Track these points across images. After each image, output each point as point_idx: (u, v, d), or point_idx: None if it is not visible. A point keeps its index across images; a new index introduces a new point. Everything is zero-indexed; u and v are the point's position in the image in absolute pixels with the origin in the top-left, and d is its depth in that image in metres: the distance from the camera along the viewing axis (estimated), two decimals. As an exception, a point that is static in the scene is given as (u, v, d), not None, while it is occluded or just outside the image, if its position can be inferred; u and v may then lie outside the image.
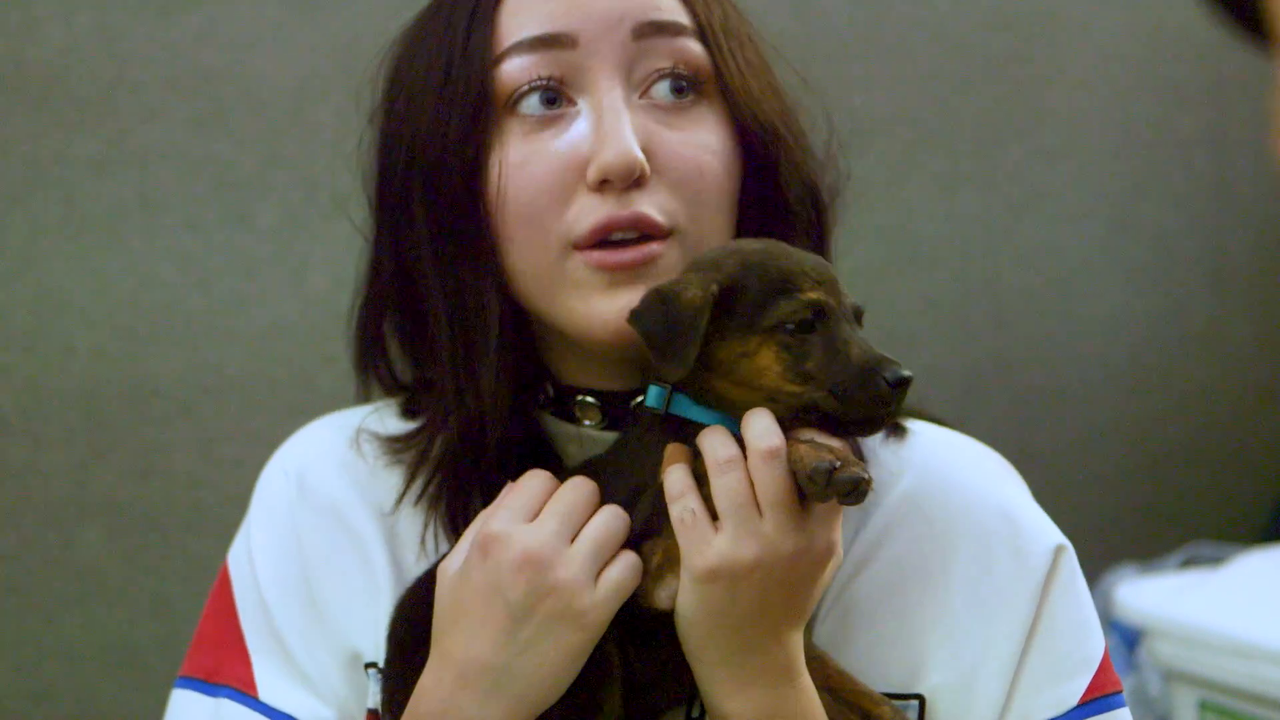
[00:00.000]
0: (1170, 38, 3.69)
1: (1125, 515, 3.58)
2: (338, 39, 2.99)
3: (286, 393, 2.95)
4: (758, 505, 1.31)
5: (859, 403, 1.32)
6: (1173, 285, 3.75)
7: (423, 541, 1.51)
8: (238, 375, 2.97)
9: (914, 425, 1.57)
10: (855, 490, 1.28)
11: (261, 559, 1.55)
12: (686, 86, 1.47)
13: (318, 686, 1.50)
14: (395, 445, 1.54)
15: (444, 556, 1.44)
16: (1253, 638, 2.83)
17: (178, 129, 2.92)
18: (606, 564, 1.34)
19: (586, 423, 1.49)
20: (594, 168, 1.42)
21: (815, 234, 1.55)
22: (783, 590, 1.33)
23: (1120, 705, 1.50)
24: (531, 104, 1.45)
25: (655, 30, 1.46)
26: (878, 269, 3.21)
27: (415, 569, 1.50)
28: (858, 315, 1.36)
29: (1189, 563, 3.40)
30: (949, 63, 3.49)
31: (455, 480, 1.49)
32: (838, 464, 1.28)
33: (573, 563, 1.32)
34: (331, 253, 2.94)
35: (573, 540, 1.33)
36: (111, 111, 2.89)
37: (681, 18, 1.48)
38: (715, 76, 1.49)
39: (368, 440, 1.56)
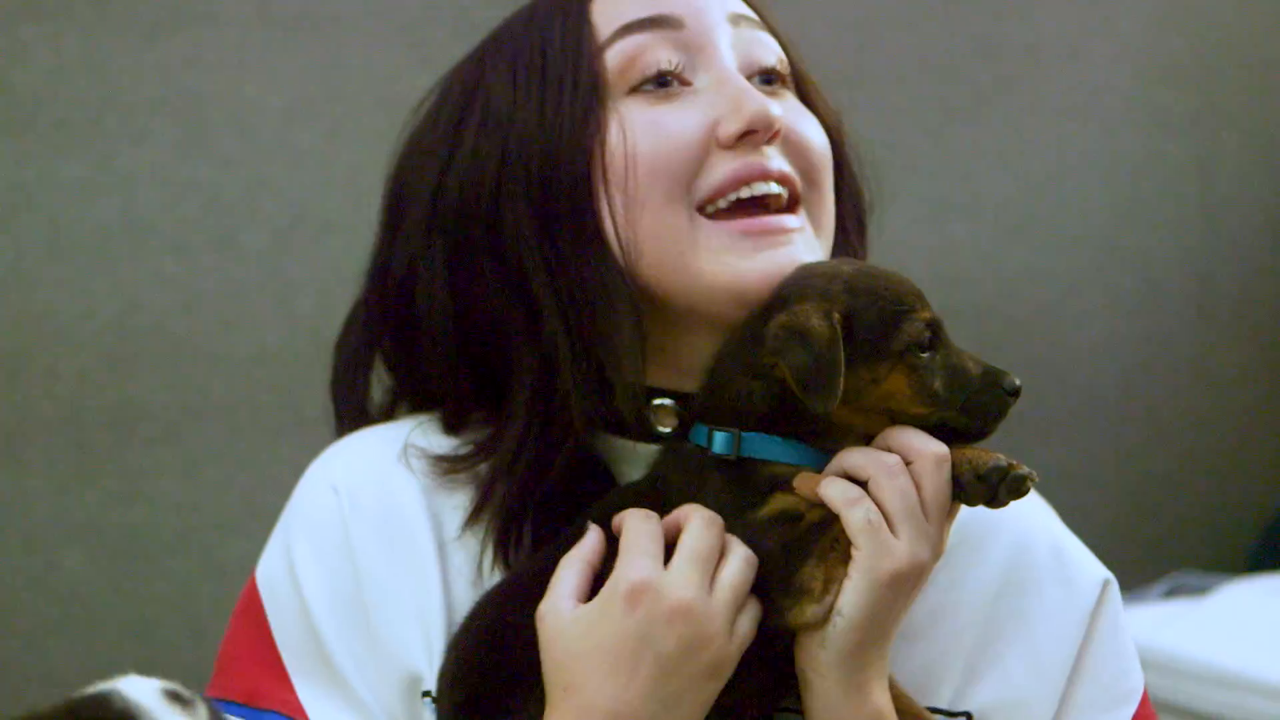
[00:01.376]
0: (1158, 67, 3.70)
1: (1110, 544, 3.55)
2: (324, 63, 3.00)
3: (272, 417, 2.94)
4: (924, 509, 1.34)
5: (985, 416, 1.37)
6: (1159, 314, 3.75)
7: (480, 568, 1.49)
8: (223, 399, 2.97)
9: None
10: (1022, 488, 1.35)
11: (309, 581, 1.51)
12: (775, 78, 1.54)
13: (372, 712, 1.46)
14: (451, 465, 1.53)
15: (505, 590, 1.45)
16: (1237, 669, 2.84)
17: (164, 152, 2.93)
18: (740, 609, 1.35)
19: (661, 428, 1.48)
20: (738, 118, 1.46)
21: (859, 230, 1.62)
22: (913, 590, 1.37)
23: None
24: (650, 85, 1.49)
25: (746, 21, 1.54)
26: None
27: (464, 593, 1.48)
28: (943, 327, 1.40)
29: (1173, 592, 3.40)
30: (937, 91, 3.50)
31: (516, 508, 1.48)
32: (1011, 464, 1.35)
33: (720, 615, 1.33)
34: (318, 277, 2.94)
35: (713, 579, 1.34)
36: (98, 134, 2.89)
37: (755, 15, 1.56)
38: (792, 74, 1.56)
39: (416, 456, 1.54)
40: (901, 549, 1.33)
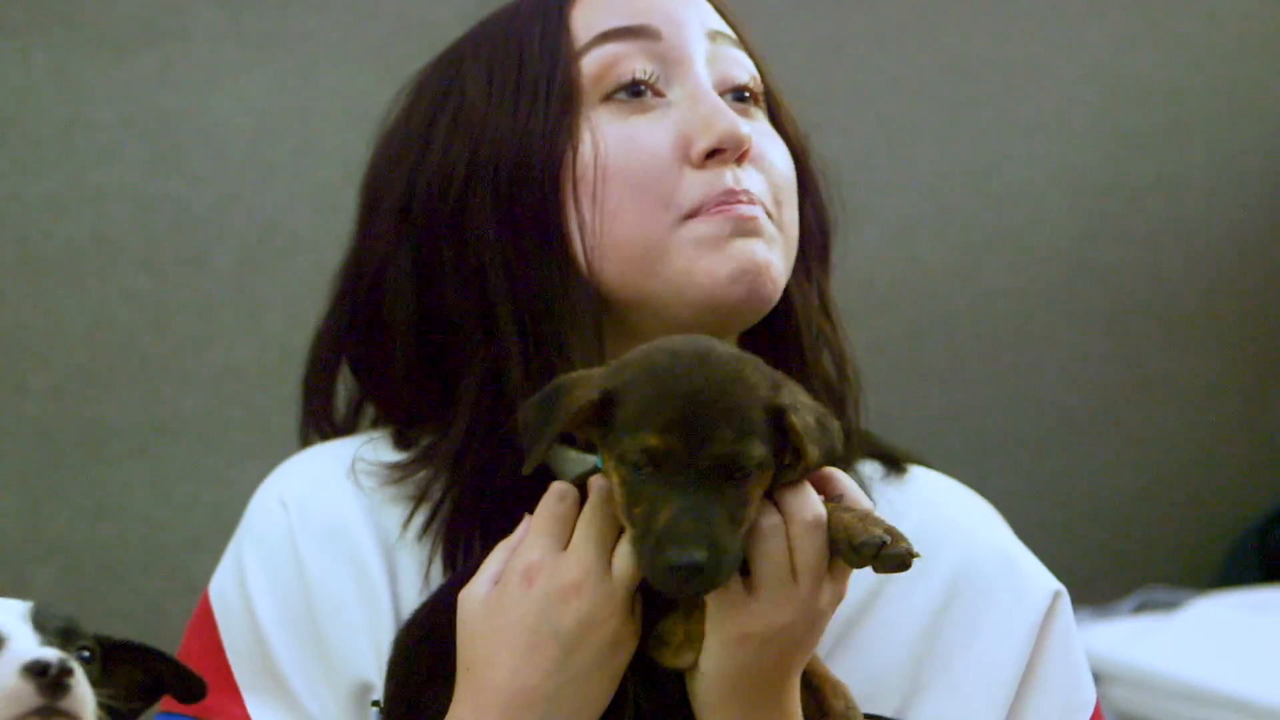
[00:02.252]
0: (1125, 84, 3.71)
1: (1079, 560, 3.59)
2: (295, 80, 3.00)
3: (242, 434, 2.94)
4: (794, 571, 1.31)
5: (650, 576, 1.29)
6: (1127, 330, 3.76)
7: (426, 575, 1.49)
8: (193, 416, 2.97)
9: (911, 468, 1.60)
10: (901, 565, 1.28)
11: (259, 593, 1.52)
12: (747, 96, 1.55)
13: None
14: (395, 474, 1.53)
15: (446, 588, 1.44)
16: (1206, 683, 2.84)
17: (134, 169, 2.93)
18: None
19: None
20: (710, 135, 1.47)
21: (821, 255, 1.61)
22: (801, 646, 1.34)
23: None
24: (624, 93, 1.50)
25: (722, 38, 1.55)
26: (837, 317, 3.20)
27: (412, 600, 1.49)
28: (728, 465, 1.27)
29: (1143, 607, 3.41)
30: (906, 108, 3.51)
31: (462, 512, 1.49)
32: (887, 539, 1.27)
33: (617, 592, 1.32)
34: (288, 293, 2.94)
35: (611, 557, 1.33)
36: (67, 151, 2.89)
37: (732, 32, 1.57)
38: (764, 93, 1.57)
39: (365, 471, 1.54)
40: (756, 610, 1.30)
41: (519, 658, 1.33)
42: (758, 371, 1.31)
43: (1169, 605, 3.27)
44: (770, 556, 1.30)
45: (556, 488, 1.36)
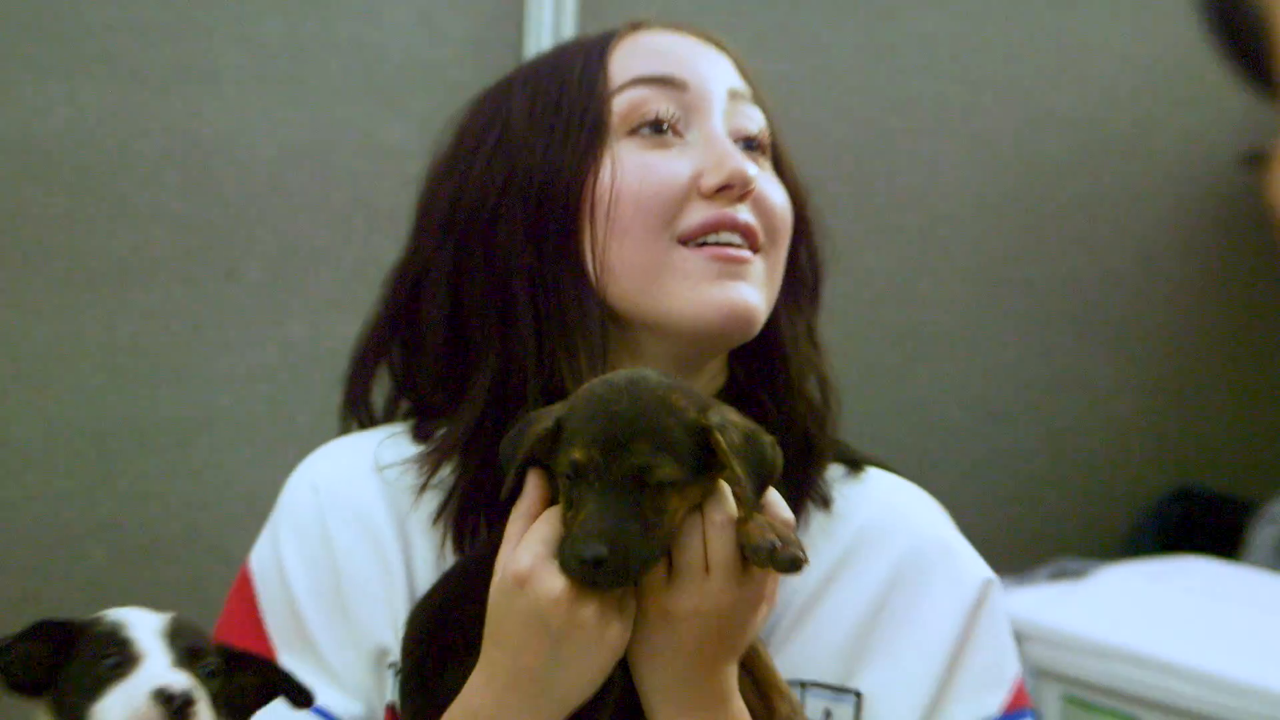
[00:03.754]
0: (1044, 118, 3.73)
1: (1001, 534, 3.59)
2: (313, 115, 3.01)
3: (269, 428, 2.95)
4: (707, 565, 1.32)
5: (566, 566, 1.31)
6: (1044, 335, 3.79)
7: (440, 555, 1.51)
8: (226, 412, 2.98)
9: (869, 469, 1.62)
10: (792, 566, 1.30)
11: (292, 566, 1.54)
12: (755, 145, 1.57)
13: (345, 684, 1.49)
14: (412, 466, 1.54)
15: (456, 569, 1.46)
16: (1110, 641, 2.87)
17: (172, 194, 2.93)
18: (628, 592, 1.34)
19: None
20: (718, 173, 1.50)
21: (812, 292, 1.64)
22: (719, 633, 1.34)
23: (1031, 719, 1.56)
24: (647, 129, 1.53)
25: (740, 95, 1.57)
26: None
27: (427, 578, 1.50)
28: (640, 475, 1.29)
29: (1057, 575, 3.41)
30: (852, 134, 3.53)
31: (470, 500, 1.51)
32: (778, 544, 1.30)
33: (604, 601, 1.32)
34: (309, 304, 2.95)
35: None
36: (112, 179, 2.89)
37: (749, 90, 1.59)
38: (771, 144, 1.60)
39: (386, 463, 1.56)
40: (673, 593, 1.33)
41: (518, 645, 1.34)
42: (686, 397, 1.33)
43: (1079, 573, 3.29)
44: (686, 549, 1.32)
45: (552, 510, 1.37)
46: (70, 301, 2.88)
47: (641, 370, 1.37)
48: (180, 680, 1.26)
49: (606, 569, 1.28)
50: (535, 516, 1.36)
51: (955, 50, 3.63)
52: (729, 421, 1.33)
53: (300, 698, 1.39)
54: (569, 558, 1.30)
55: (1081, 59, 3.76)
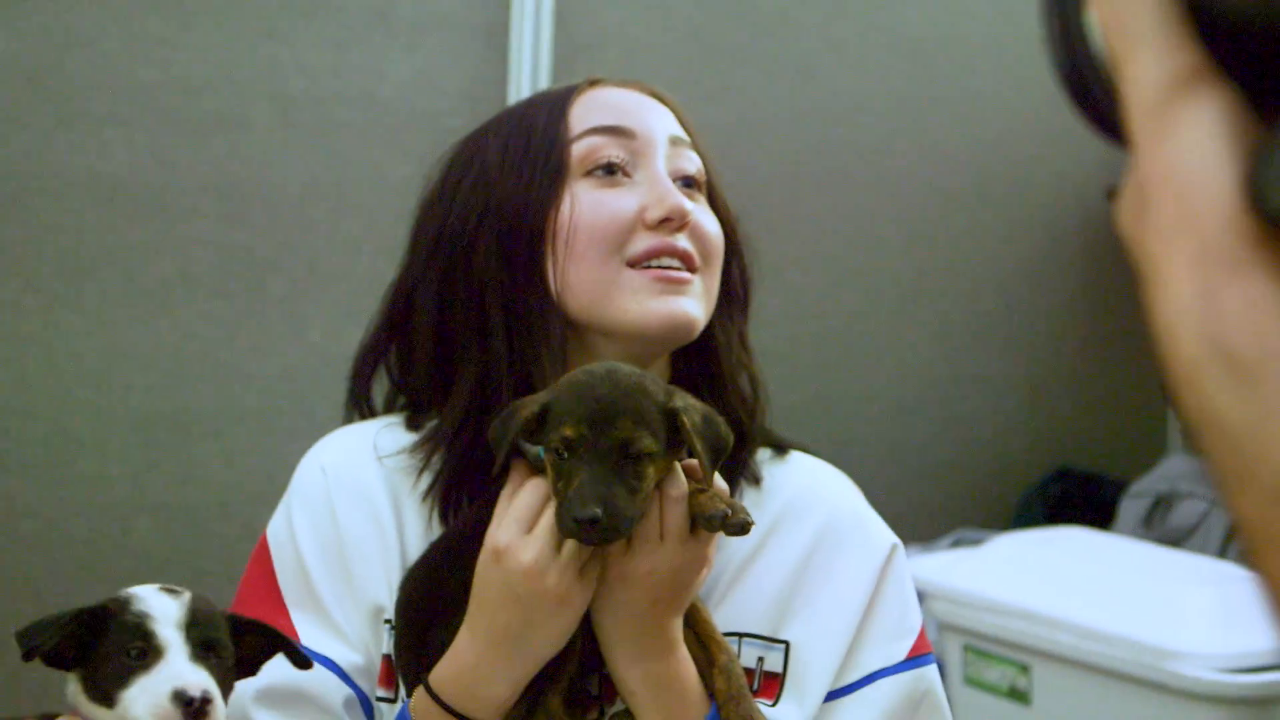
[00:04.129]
0: (944, 157, 3.73)
1: (910, 509, 3.61)
2: (331, 156, 3.00)
3: (291, 421, 2.94)
4: (662, 533, 1.33)
5: (562, 528, 1.30)
6: (946, 340, 3.78)
7: (429, 528, 1.50)
8: (255, 407, 2.96)
9: (793, 452, 1.61)
10: (742, 529, 1.32)
11: (303, 536, 1.52)
12: (693, 184, 1.56)
13: (348, 637, 1.46)
14: (406, 451, 1.53)
15: (441, 540, 1.45)
16: (1002, 599, 2.85)
17: (211, 223, 2.92)
18: (589, 562, 1.34)
19: None
20: (660, 208, 1.49)
21: (742, 304, 1.63)
22: (669, 590, 1.35)
23: (932, 662, 1.53)
24: (601, 171, 1.51)
25: (680, 141, 1.57)
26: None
27: (417, 547, 1.49)
28: (624, 446, 1.29)
29: (957, 543, 3.42)
30: (786, 174, 3.52)
31: (454, 480, 1.49)
32: (729, 512, 1.31)
33: (561, 570, 1.32)
34: (326, 316, 2.94)
35: (560, 547, 1.32)
36: (160, 209, 2.88)
37: (687, 136, 1.58)
38: (706, 182, 1.59)
39: (384, 448, 1.54)
40: (631, 558, 1.33)
41: (494, 608, 1.33)
42: (655, 384, 1.34)
43: (976, 541, 3.29)
44: (644, 521, 1.33)
45: (533, 482, 1.36)
46: (123, 312, 2.86)
47: (613, 363, 1.37)
48: (198, 681, 1.23)
49: (600, 526, 1.27)
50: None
51: (869, 103, 3.63)
52: (690, 405, 1.34)
53: (299, 661, 1.36)
54: (566, 519, 1.28)
55: (973, 111, 3.76)
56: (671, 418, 1.32)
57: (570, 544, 1.32)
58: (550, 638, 1.34)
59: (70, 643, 1.26)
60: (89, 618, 1.26)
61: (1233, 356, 0.54)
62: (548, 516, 1.33)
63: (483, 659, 1.34)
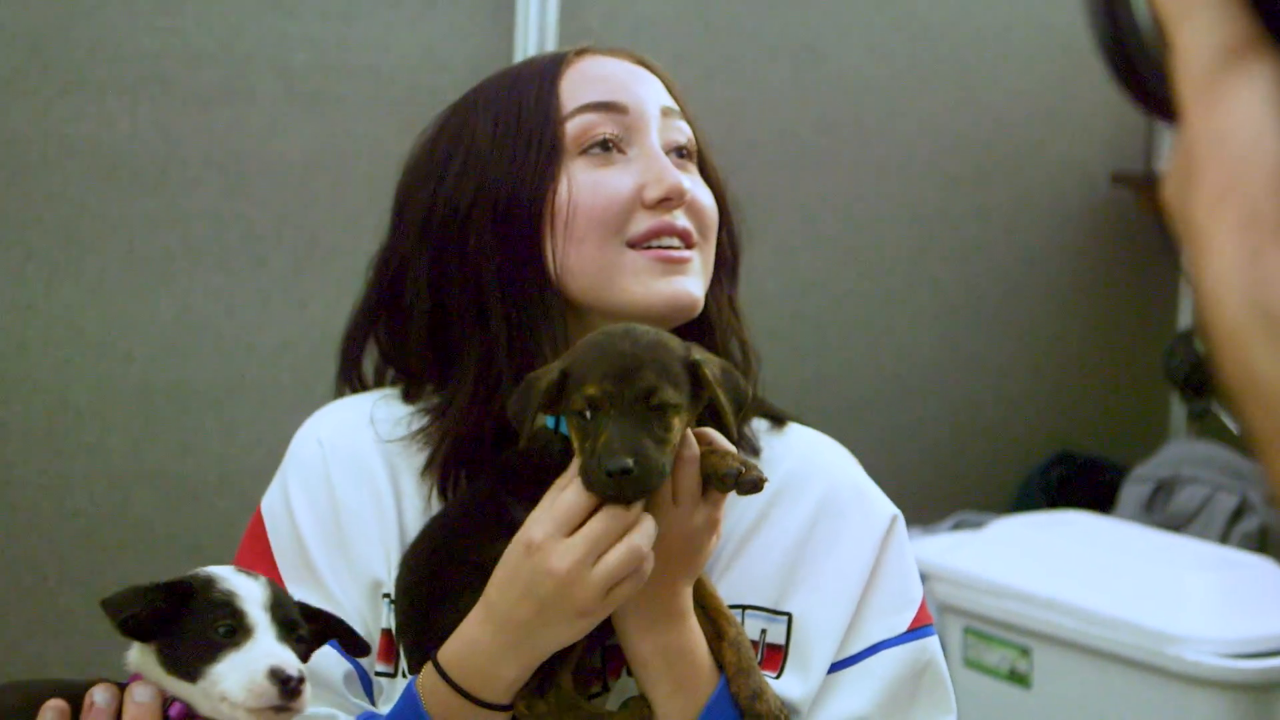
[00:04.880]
0: (947, 140, 3.72)
1: (912, 491, 3.59)
2: (333, 130, 3.00)
3: (291, 394, 2.93)
4: (675, 495, 1.33)
5: (593, 485, 1.28)
6: (948, 322, 3.77)
7: (429, 503, 1.48)
8: (255, 379, 2.96)
9: (790, 424, 1.60)
10: (755, 487, 1.32)
11: (300, 508, 1.50)
12: (685, 154, 1.55)
13: (346, 611, 1.44)
14: (404, 425, 1.52)
15: (440, 516, 1.44)
16: (1002, 581, 2.86)
17: (212, 195, 2.91)
18: (619, 583, 1.30)
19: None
20: (659, 188, 1.48)
21: (732, 270, 1.60)
22: (681, 555, 1.34)
23: (933, 634, 1.53)
24: (596, 149, 1.50)
25: (671, 112, 1.55)
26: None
27: (416, 522, 1.47)
28: (649, 398, 1.28)
29: (958, 526, 3.42)
30: (788, 155, 3.51)
31: (455, 457, 1.48)
32: (741, 469, 1.31)
33: (590, 586, 1.29)
34: (327, 289, 2.93)
35: (597, 561, 1.29)
36: (162, 181, 2.87)
37: (677, 106, 1.56)
38: (697, 150, 1.57)
39: (380, 420, 1.53)
40: (642, 520, 1.31)
41: (514, 599, 1.31)
42: (674, 339, 1.34)
43: (977, 524, 3.28)
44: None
45: (577, 485, 1.31)
46: (124, 283, 2.86)
47: (628, 323, 1.36)
48: (294, 662, 1.23)
49: (633, 478, 1.26)
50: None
51: (873, 83, 3.61)
52: (708, 357, 1.34)
53: (357, 646, 1.37)
54: (596, 474, 1.27)
55: (977, 93, 3.75)
56: (692, 370, 1.31)
57: (606, 563, 1.29)
58: (561, 640, 1.33)
59: (154, 615, 1.25)
60: (173, 592, 1.25)
61: (1277, 320, 0.55)
62: (590, 525, 1.30)
63: (493, 642, 1.33)
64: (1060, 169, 3.86)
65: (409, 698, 1.36)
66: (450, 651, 1.35)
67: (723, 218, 1.58)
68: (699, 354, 1.33)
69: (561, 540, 1.29)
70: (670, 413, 1.29)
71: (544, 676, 1.35)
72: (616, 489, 1.27)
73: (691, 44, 3.35)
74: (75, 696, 1.25)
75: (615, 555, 1.29)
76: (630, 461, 1.25)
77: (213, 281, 2.92)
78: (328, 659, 1.43)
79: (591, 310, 1.49)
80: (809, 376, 3.54)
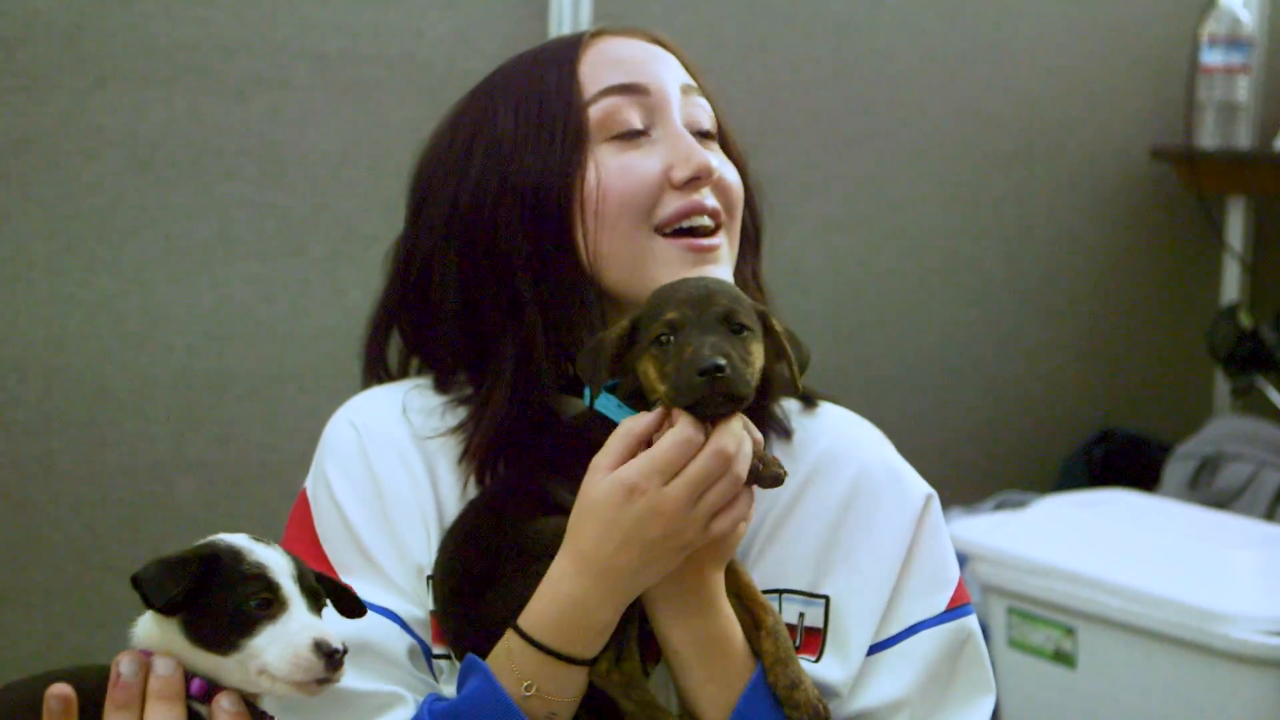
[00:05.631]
0: (985, 118, 3.71)
1: (954, 471, 3.60)
2: (367, 118, 2.99)
3: (329, 381, 2.93)
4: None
5: (685, 390, 1.28)
6: (988, 301, 3.76)
7: (465, 488, 1.47)
8: (294, 368, 2.96)
9: (822, 404, 1.59)
10: (775, 482, 1.33)
11: (342, 492, 1.49)
12: (708, 133, 1.55)
13: (404, 591, 1.45)
14: (440, 412, 1.52)
15: (477, 501, 1.43)
16: (1046, 560, 2.84)
17: (249, 184, 2.91)
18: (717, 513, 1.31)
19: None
20: (687, 168, 1.48)
21: (755, 244, 1.60)
22: (709, 543, 1.34)
23: (971, 613, 1.52)
24: (622, 133, 1.49)
25: (690, 89, 1.54)
26: (772, 290, 3.20)
27: (453, 507, 1.47)
28: (728, 317, 1.31)
29: (1000, 505, 3.41)
30: (827, 135, 3.49)
31: (493, 444, 1.47)
32: (760, 465, 1.31)
33: (697, 521, 1.30)
34: (365, 276, 2.89)
35: (699, 499, 1.30)
36: (199, 171, 2.88)
37: (695, 83, 1.56)
38: (718, 128, 1.57)
39: (414, 409, 1.53)
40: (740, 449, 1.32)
41: (615, 546, 1.30)
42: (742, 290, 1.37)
43: (1019, 504, 3.27)
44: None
45: (684, 435, 1.30)
46: (162, 273, 2.86)
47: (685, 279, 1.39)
48: (335, 634, 1.23)
49: (724, 378, 1.26)
50: (641, 436, 1.32)
51: (909, 63, 3.59)
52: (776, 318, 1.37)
53: (354, 608, 1.33)
54: (688, 377, 1.27)
55: (1014, 70, 3.73)
56: (762, 318, 1.34)
57: (707, 497, 1.30)
58: (654, 578, 1.33)
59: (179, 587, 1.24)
60: (203, 565, 1.23)
61: None
62: (694, 466, 1.30)
63: (588, 590, 1.32)
64: (1099, 145, 3.84)
65: (482, 675, 1.34)
66: (536, 613, 1.34)
67: (745, 192, 1.57)
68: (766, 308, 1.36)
69: (663, 488, 1.30)
70: (749, 337, 1.31)
71: (620, 641, 1.35)
72: (709, 388, 1.27)
73: (727, 25, 3.34)
74: (78, 681, 1.23)
75: (719, 488, 1.30)
76: (722, 360, 1.26)
77: (250, 270, 2.92)
78: (390, 634, 1.42)
79: (622, 299, 1.48)
80: (850, 356, 3.53)
